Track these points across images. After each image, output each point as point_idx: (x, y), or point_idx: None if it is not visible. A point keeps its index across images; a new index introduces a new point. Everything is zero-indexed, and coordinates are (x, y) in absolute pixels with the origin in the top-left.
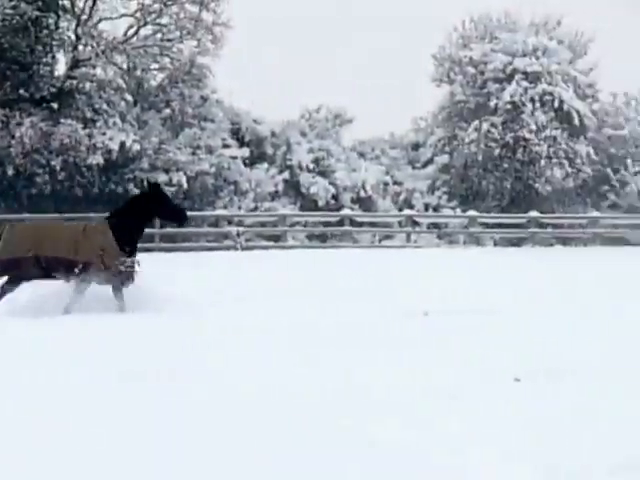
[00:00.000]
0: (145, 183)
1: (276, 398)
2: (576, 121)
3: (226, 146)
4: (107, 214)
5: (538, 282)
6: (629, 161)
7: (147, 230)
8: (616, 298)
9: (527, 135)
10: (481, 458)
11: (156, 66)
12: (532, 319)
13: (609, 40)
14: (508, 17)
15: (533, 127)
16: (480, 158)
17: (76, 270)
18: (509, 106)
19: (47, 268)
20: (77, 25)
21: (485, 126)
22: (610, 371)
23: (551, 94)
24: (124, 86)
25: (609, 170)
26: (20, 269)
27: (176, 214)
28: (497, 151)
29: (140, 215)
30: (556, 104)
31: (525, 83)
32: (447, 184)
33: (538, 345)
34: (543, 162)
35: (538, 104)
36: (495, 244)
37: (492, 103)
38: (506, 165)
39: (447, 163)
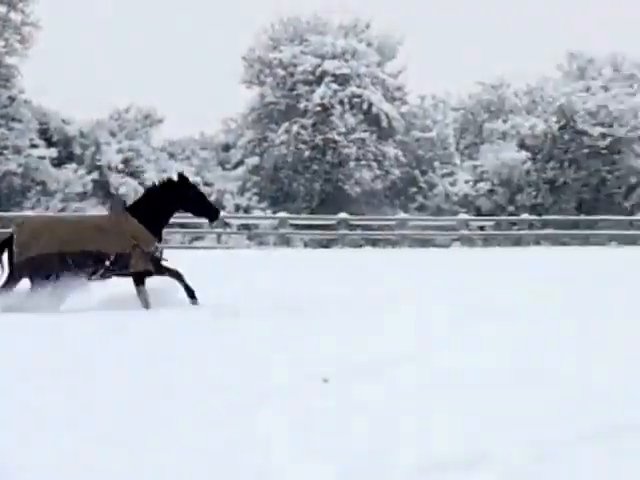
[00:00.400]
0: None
1: None
2: (385, 123)
3: (34, 146)
4: (127, 205)
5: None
6: (437, 163)
7: None
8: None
9: (336, 137)
10: (289, 457)
11: None
12: (342, 318)
13: (417, 43)
14: (318, 20)
15: (342, 129)
16: (290, 160)
17: (107, 263)
18: (319, 108)
19: (75, 264)
20: None
21: (295, 128)
22: (421, 366)
23: (360, 96)
24: None
25: (417, 172)
26: (45, 268)
27: (207, 209)
28: (307, 153)
29: (164, 205)
30: (365, 106)
31: (334, 85)
32: (257, 185)
33: (342, 344)
34: (352, 164)
35: (347, 106)
36: (305, 245)
37: (302, 105)
38: (316, 167)
39: (257, 164)
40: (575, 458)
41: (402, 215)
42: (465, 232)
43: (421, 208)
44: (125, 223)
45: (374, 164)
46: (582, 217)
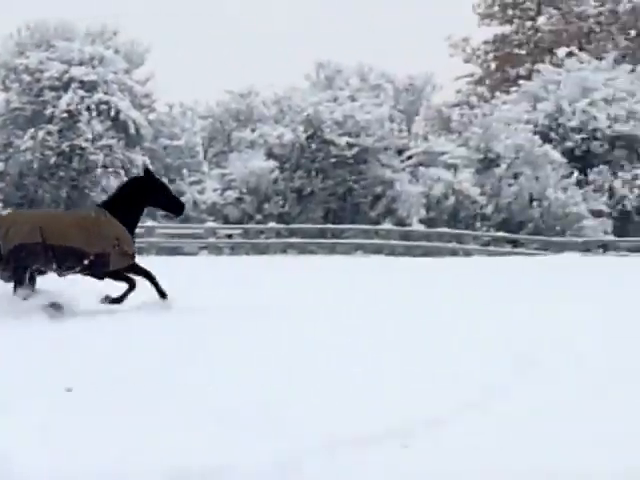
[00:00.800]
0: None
1: None
2: (132, 130)
3: None
4: (100, 202)
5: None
6: (185, 171)
7: None
8: None
9: (83, 144)
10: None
11: None
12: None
13: (166, 51)
14: (65, 26)
15: (89, 136)
16: (36, 166)
17: (86, 262)
18: (65, 114)
19: (56, 258)
20: None
21: (41, 134)
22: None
23: (107, 103)
24: None
25: (166, 180)
26: (29, 257)
27: (173, 204)
28: (53, 159)
29: (136, 202)
30: (113, 113)
31: (82, 92)
32: (2, 192)
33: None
34: (99, 171)
35: (95, 113)
36: None
37: (48, 111)
38: (62, 173)
39: (2, 171)
40: None
41: (149, 223)
42: (212, 240)
43: (168, 215)
44: (107, 223)
45: (121, 171)
46: (329, 226)
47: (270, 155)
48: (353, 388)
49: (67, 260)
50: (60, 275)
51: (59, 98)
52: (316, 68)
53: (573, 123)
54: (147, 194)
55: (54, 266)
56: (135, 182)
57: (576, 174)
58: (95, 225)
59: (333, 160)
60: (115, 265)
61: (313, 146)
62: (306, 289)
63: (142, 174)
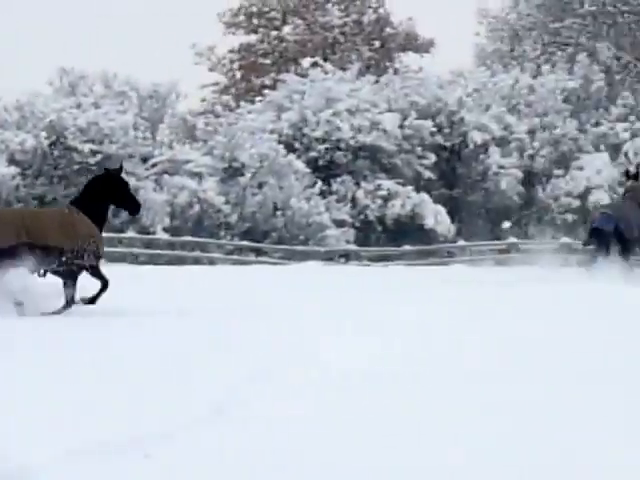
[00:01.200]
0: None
1: None
2: None
3: None
4: (71, 199)
5: None
6: None
7: None
8: None
9: None
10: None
11: None
12: None
13: None
14: None
15: None
16: None
17: (63, 259)
18: None
19: (39, 258)
20: None
21: None
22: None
23: None
24: None
25: None
26: (15, 257)
27: (132, 203)
28: None
29: (105, 200)
30: None
31: None
32: None
33: None
34: None
35: None
36: None
37: None
38: None
39: None
40: None
41: None
42: None
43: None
44: (80, 221)
45: None
46: None
47: (12, 161)
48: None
49: (49, 259)
50: (40, 275)
51: None
52: (59, 74)
53: (317, 133)
54: (113, 192)
55: (35, 265)
56: (102, 181)
57: (320, 184)
58: (72, 222)
59: (76, 167)
60: (88, 261)
61: (56, 153)
62: None
63: (103, 172)
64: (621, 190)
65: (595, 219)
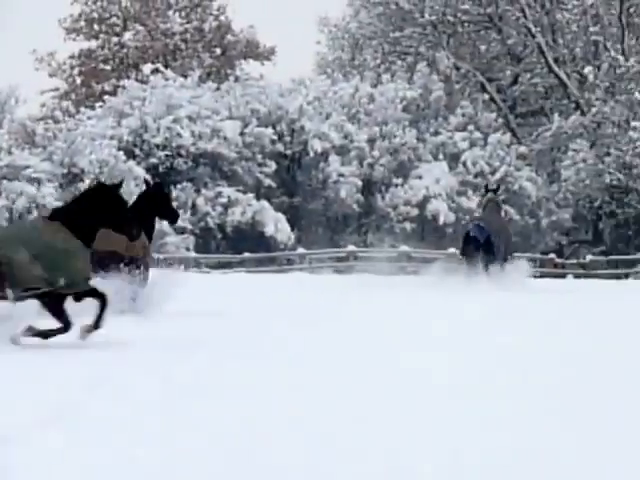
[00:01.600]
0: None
1: None
2: None
3: None
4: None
5: None
6: None
7: None
8: None
9: None
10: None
11: None
12: None
13: None
14: None
15: None
16: None
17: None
18: None
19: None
20: None
21: None
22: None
23: None
24: None
25: None
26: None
27: (173, 213)
28: None
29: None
30: None
31: None
32: None
33: None
34: None
35: None
36: None
37: None
38: None
39: None
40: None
41: None
42: None
43: None
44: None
45: None
46: None
47: None
48: None
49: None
50: None
51: None
52: None
53: (157, 140)
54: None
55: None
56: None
57: None
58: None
59: None
60: None
61: None
62: None
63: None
64: (465, 199)
65: (470, 229)
